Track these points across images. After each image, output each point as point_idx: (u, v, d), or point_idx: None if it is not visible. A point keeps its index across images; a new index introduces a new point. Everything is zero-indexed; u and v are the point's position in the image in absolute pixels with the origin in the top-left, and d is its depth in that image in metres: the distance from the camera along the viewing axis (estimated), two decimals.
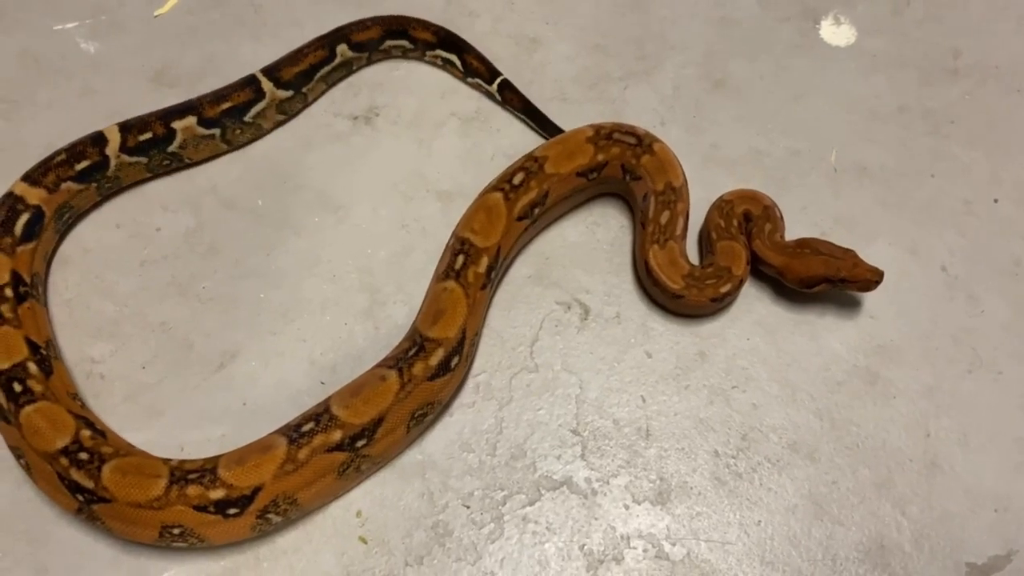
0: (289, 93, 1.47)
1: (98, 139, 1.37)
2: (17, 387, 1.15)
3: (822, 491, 1.21)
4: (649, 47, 1.60)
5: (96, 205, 1.42)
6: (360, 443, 1.13)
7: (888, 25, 1.64)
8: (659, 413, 1.26)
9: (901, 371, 1.30)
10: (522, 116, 1.52)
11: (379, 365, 1.18)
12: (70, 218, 1.38)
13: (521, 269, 1.37)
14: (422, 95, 1.54)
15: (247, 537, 1.14)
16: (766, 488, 1.22)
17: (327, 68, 1.51)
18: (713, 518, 1.20)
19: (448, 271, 1.24)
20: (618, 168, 1.36)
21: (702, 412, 1.26)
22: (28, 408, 1.13)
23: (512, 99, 1.52)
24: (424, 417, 1.20)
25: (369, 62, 1.57)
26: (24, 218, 1.30)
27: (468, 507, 1.20)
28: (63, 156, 1.35)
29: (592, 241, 1.40)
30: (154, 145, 1.40)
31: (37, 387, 1.16)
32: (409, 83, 1.56)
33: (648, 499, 1.21)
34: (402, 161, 1.48)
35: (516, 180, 1.32)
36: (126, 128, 1.39)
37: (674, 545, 1.18)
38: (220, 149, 1.46)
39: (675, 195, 1.33)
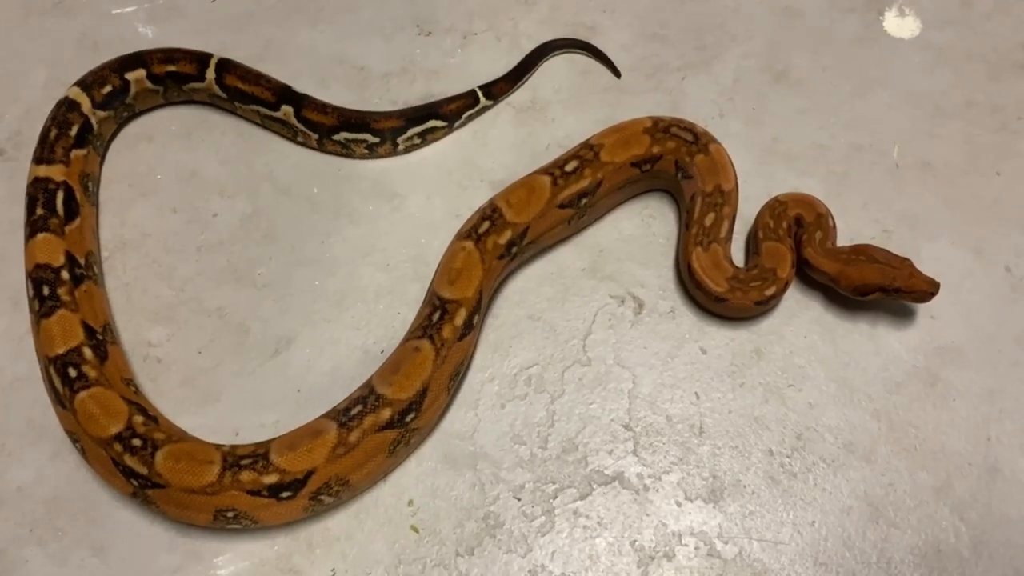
0: (224, 95, 1.46)
1: (71, 104, 1.40)
2: (72, 372, 1.16)
3: (878, 493, 1.20)
4: (708, 37, 1.58)
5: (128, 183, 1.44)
6: (409, 417, 1.15)
7: (955, 17, 1.60)
8: (713, 410, 1.25)
9: (962, 373, 1.27)
10: (520, 81, 1.53)
11: (408, 338, 1.20)
12: (92, 187, 1.41)
13: (575, 261, 1.37)
14: (477, 83, 1.52)
15: (299, 518, 1.16)
16: (820, 489, 1.20)
17: (265, 110, 1.45)
18: (766, 517, 1.18)
19: (471, 232, 1.26)
20: (672, 163, 1.35)
21: (757, 410, 1.25)
22: (82, 394, 1.15)
23: (502, 88, 1.52)
24: (457, 377, 1.23)
25: (320, 147, 1.47)
26: (60, 197, 1.32)
27: (519, 499, 1.19)
28: (54, 130, 1.37)
29: (648, 234, 1.39)
30: (115, 97, 1.44)
31: (91, 372, 1.17)
32: (465, 71, 1.55)
33: (701, 497, 1.20)
34: (456, 150, 1.48)
35: (569, 167, 1.32)
36: (86, 87, 1.42)
37: (726, 543, 1.17)
38: (160, 103, 1.51)
39: (723, 198, 1.31)
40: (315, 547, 1.17)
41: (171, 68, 1.45)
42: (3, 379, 1.28)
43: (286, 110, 1.44)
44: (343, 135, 1.43)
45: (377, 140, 1.44)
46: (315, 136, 1.45)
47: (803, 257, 1.30)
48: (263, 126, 1.49)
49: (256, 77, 1.46)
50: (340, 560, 1.16)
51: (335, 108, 1.45)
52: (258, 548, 1.17)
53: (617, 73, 1.54)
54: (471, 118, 1.50)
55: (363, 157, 1.46)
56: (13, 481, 1.21)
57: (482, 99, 1.49)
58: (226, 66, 1.46)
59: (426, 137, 1.47)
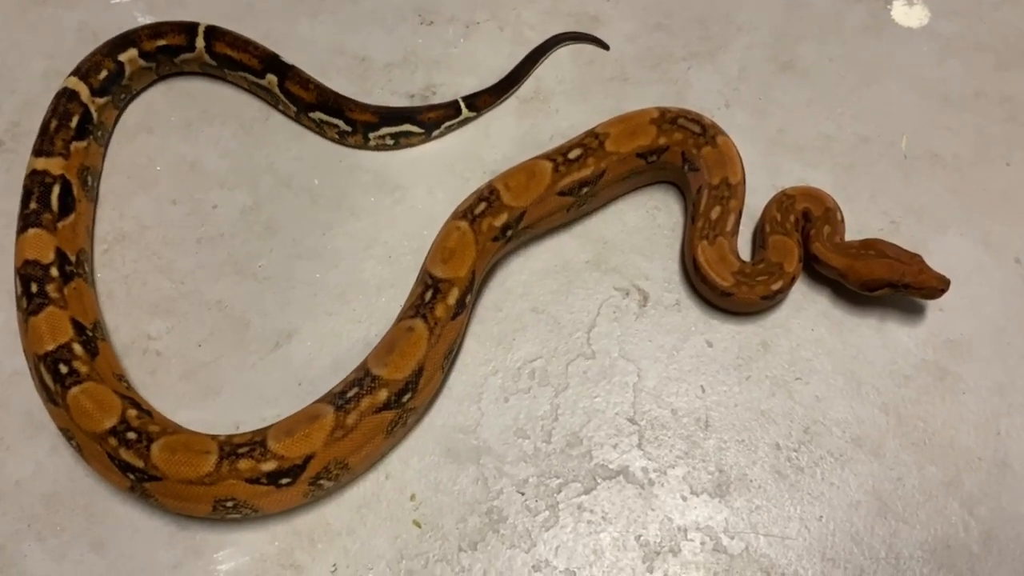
0: (214, 63, 1.47)
1: (71, 95, 1.39)
2: (63, 368, 1.15)
3: (886, 488, 1.18)
4: (714, 27, 1.56)
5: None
6: (406, 397, 1.14)
7: (963, 6, 1.58)
8: (719, 404, 1.24)
9: (971, 367, 1.26)
10: (506, 93, 1.50)
11: (402, 318, 1.20)
12: (92, 181, 1.39)
13: (579, 254, 1.35)
14: (480, 73, 1.51)
15: (300, 504, 1.15)
16: (828, 483, 1.19)
17: (251, 77, 1.46)
18: (773, 512, 1.17)
19: (467, 212, 1.26)
20: (678, 155, 1.34)
21: (763, 404, 1.24)
22: (75, 389, 1.13)
23: (486, 100, 1.48)
24: (450, 356, 1.23)
25: (298, 120, 1.48)
26: (56, 191, 1.30)
27: (523, 494, 1.18)
28: (55, 121, 1.36)
29: (652, 226, 1.38)
30: (113, 81, 1.44)
31: (83, 368, 1.16)
32: (467, 61, 1.54)
33: (706, 491, 1.18)
34: (458, 142, 1.46)
35: (572, 155, 1.31)
36: (83, 75, 1.41)
37: (732, 539, 1.16)
38: (153, 79, 1.51)
39: (730, 191, 1.30)
40: (316, 542, 1.16)
41: (161, 42, 1.46)
42: (1, 373, 1.27)
43: (271, 79, 1.44)
44: (318, 114, 1.43)
45: (349, 129, 1.43)
46: (294, 109, 1.45)
47: (811, 252, 1.28)
48: (251, 92, 1.49)
49: (244, 44, 1.47)
50: (342, 555, 1.15)
51: (317, 86, 1.44)
52: (259, 543, 1.16)
53: (605, 46, 1.53)
54: (451, 129, 1.47)
55: (334, 141, 1.46)
56: (11, 475, 1.20)
57: (464, 111, 1.46)
58: (214, 33, 1.47)
59: (399, 140, 1.44)
